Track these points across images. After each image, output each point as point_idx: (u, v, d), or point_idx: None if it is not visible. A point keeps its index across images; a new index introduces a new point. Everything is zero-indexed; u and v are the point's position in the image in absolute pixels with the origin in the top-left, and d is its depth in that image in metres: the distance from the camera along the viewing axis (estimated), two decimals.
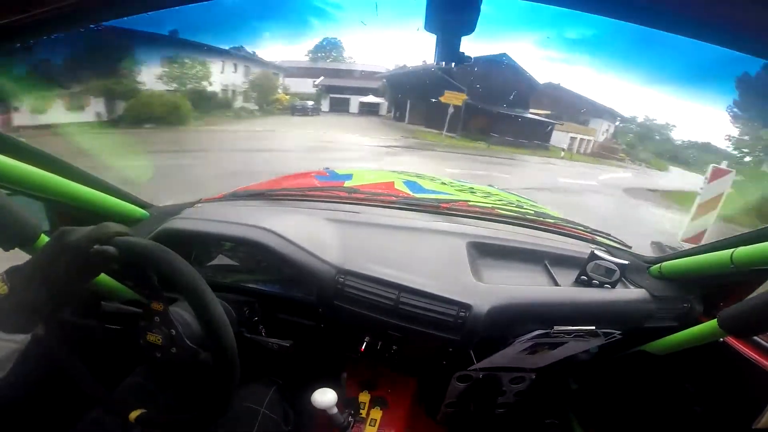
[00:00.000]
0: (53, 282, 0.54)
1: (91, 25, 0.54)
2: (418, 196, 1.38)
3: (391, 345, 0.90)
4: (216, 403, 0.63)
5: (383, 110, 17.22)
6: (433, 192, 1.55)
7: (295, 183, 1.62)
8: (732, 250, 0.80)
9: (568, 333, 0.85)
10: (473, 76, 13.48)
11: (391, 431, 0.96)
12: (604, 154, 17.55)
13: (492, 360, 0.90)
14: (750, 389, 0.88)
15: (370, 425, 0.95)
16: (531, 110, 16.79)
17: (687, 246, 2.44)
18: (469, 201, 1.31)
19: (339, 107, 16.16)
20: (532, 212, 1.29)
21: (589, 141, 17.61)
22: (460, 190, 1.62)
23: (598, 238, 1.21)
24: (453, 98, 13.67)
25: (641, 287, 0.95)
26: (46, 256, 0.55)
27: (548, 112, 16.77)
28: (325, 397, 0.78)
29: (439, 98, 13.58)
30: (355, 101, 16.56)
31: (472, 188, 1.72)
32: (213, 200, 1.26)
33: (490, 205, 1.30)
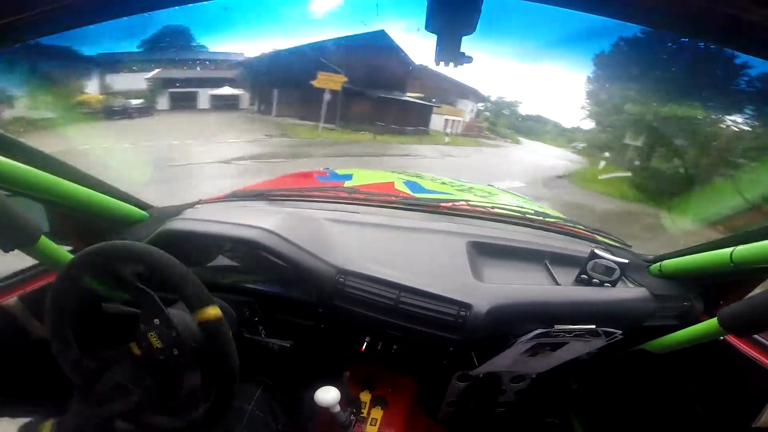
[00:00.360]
0: None
1: (91, 26, 0.54)
2: (418, 196, 1.38)
3: (392, 345, 0.90)
4: (217, 403, 0.63)
5: (244, 102, 14.35)
6: (433, 192, 1.56)
7: (295, 183, 1.62)
8: (732, 248, 0.80)
9: (569, 332, 0.85)
10: (350, 57, 12.19)
11: (392, 430, 0.96)
12: (471, 133, 18.09)
13: (493, 363, 0.90)
14: (750, 388, 0.88)
15: (370, 424, 0.96)
16: (408, 94, 15.72)
17: None
18: (469, 201, 1.31)
19: (183, 103, 12.57)
20: (532, 212, 1.29)
21: (459, 121, 17.95)
22: (460, 190, 1.62)
23: (598, 237, 1.21)
24: (329, 82, 11.49)
25: (641, 286, 0.95)
26: None
27: (422, 94, 15.93)
28: (328, 395, 0.79)
29: (312, 83, 11.38)
30: (205, 94, 13.27)
31: (472, 188, 1.72)
32: (213, 201, 1.26)
33: (490, 205, 1.30)
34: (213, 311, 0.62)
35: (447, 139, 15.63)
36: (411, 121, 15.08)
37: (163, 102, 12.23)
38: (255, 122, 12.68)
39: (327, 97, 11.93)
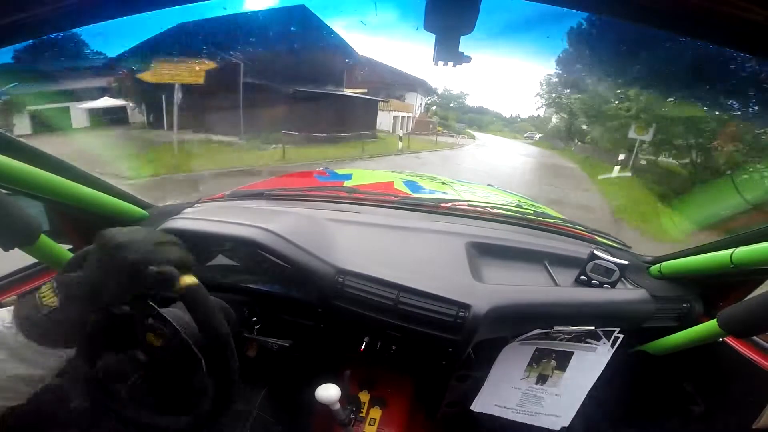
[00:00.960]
0: (100, 298, 0.50)
1: (91, 25, 0.54)
2: (417, 196, 1.38)
3: (391, 345, 0.90)
4: (216, 403, 0.63)
5: (136, 116, 10.75)
6: (433, 192, 1.56)
7: (295, 183, 1.62)
8: (732, 250, 0.80)
9: (568, 333, 0.85)
10: (267, 41, 8.48)
11: (391, 430, 0.96)
12: (427, 132, 15.98)
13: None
14: (750, 389, 0.88)
15: (369, 424, 0.95)
16: (347, 89, 12.32)
17: None
18: (469, 201, 1.31)
19: (52, 123, 8.85)
20: (532, 212, 1.29)
21: (409, 118, 15.83)
22: (459, 190, 1.62)
23: (597, 238, 1.21)
24: (180, 73, 7.65)
25: (641, 287, 0.95)
26: (98, 271, 0.51)
27: (365, 90, 13.16)
28: (328, 392, 0.79)
29: (142, 75, 7.49)
30: (81, 110, 9.92)
31: (472, 188, 1.72)
32: (213, 200, 1.26)
33: (489, 205, 1.30)
34: (189, 279, 0.57)
35: (400, 144, 12.26)
36: (351, 123, 11.71)
37: (22, 125, 8.60)
38: (142, 143, 9.07)
39: (226, 98, 7.96)
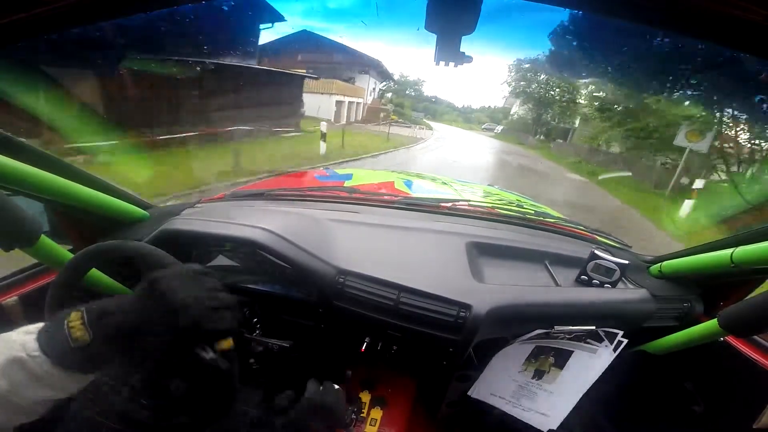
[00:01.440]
0: (135, 346, 0.47)
1: (91, 25, 0.54)
2: (418, 195, 1.38)
3: (391, 345, 0.90)
4: (217, 403, 0.63)
5: None
6: (433, 192, 1.56)
7: (296, 183, 1.63)
8: (732, 249, 0.80)
9: (569, 333, 0.85)
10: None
11: (391, 431, 0.96)
12: (373, 120, 12.88)
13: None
14: (750, 389, 0.88)
15: (370, 425, 0.95)
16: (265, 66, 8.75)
17: None
18: (470, 201, 1.31)
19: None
20: (533, 212, 1.29)
21: (358, 104, 12.80)
22: (460, 190, 1.62)
23: (598, 237, 1.21)
24: None
25: (641, 287, 0.95)
26: (139, 320, 0.46)
27: (303, 70, 10.06)
28: None
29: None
30: None
31: (472, 188, 1.72)
32: (213, 200, 1.26)
33: (490, 205, 1.30)
34: (226, 344, 0.55)
35: (323, 147, 8.02)
36: (254, 110, 7.78)
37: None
38: None
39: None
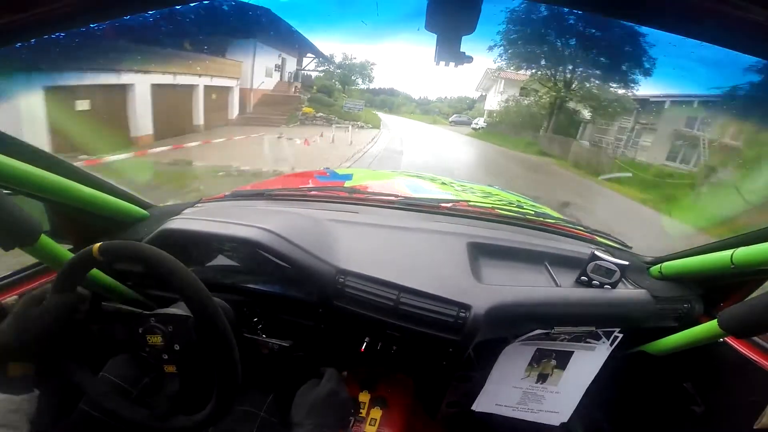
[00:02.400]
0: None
1: (92, 25, 0.54)
2: (418, 196, 1.38)
3: (391, 345, 0.90)
4: (220, 402, 0.63)
5: None
6: (434, 192, 1.56)
7: (296, 183, 1.63)
8: (732, 250, 0.80)
9: (569, 333, 0.85)
10: None
11: (391, 431, 0.96)
12: (270, 115, 8.43)
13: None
14: (750, 389, 0.88)
15: (369, 425, 0.95)
16: None
17: None
18: (470, 201, 1.31)
19: None
20: (533, 212, 1.28)
21: (229, 90, 7.93)
22: (460, 190, 1.62)
23: (598, 238, 1.21)
24: None
25: (641, 288, 0.95)
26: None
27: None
28: None
29: None
30: None
31: (473, 188, 1.72)
32: (213, 200, 1.26)
33: (490, 205, 1.30)
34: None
35: None
36: None
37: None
38: None
39: None
